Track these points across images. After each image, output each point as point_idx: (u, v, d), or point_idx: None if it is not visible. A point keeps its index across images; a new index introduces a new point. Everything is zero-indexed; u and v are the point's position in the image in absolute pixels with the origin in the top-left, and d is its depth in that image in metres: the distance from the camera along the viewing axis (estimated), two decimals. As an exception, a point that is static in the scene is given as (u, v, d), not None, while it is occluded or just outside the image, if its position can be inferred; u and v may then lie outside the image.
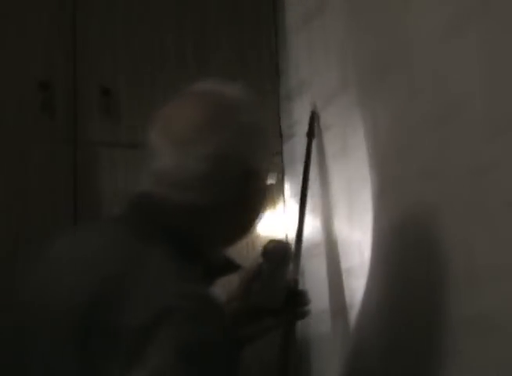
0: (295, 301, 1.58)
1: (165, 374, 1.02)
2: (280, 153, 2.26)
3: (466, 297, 1.39)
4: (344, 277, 1.86)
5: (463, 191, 1.42)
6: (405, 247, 1.59)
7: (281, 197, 2.22)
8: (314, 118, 2.03)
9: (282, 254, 1.54)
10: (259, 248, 1.54)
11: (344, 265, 1.86)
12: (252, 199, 1.31)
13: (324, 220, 1.99)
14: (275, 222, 2.17)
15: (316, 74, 2.08)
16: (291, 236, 1.96)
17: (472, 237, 1.38)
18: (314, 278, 1.98)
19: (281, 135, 2.27)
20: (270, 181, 1.37)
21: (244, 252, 1.70)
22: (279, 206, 2.22)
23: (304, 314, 1.61)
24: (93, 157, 2.01)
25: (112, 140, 2.04)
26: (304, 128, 2.06)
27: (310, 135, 2.01)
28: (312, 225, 2.00)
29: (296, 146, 2.19)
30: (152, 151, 1.29)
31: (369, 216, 1.73)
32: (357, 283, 1.76)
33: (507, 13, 1.32)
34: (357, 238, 1.79)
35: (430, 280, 1.50)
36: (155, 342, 1.03)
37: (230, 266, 1.34)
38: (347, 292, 1.84)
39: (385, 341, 1.64)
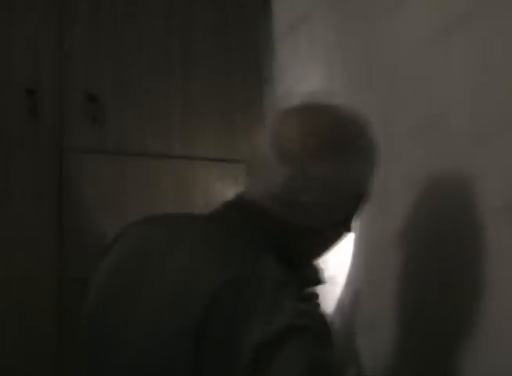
0: None
1: None
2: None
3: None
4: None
5: (449, 198, 1.43)
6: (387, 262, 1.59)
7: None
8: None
9: None
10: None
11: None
12: (352, 219, 1.30)
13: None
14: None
15: (302, 81, 2.08)
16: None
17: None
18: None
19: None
20: None
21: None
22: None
23: None
24: (79, 163, 2.00)
25: (98, 147, 2.03)
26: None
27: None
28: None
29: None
30: (262, 163, 1.25)
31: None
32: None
33: (493, 22, 1.34)
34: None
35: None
36: (278, 357, 1.03)
37: (318, 280, 1.31)
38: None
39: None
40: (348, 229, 1.31)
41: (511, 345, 1.23)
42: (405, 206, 1.54)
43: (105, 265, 1.28)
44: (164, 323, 1.12)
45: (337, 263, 1.74)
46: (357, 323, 1.69)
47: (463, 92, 1.41)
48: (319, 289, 1.28)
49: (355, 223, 1.31)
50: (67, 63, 2.04)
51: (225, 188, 2.12)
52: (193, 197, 2.08)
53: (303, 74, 2.08)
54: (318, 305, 1.21)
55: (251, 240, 1.20)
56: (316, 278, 1.29)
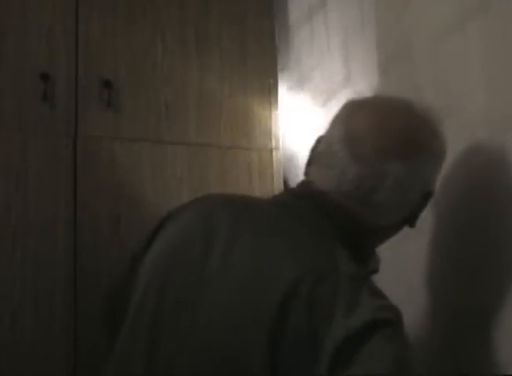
0: None
1: None
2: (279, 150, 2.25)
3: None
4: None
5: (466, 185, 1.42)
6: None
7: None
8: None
9: None
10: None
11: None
12: (419, 216, 1.31)
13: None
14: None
15: (318, 69, 2.08)
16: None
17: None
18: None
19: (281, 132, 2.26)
20: None
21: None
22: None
23: None
24: (94, 149, 2.00)
25: (113, 133, 2.03)
26: (304, 124, 2.06)
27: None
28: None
29: (295, 142, 2.18)
30: (334, 158, 1.24)
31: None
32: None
33: (508, 12, 1.32)
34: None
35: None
36: (364, 351, 1.04)
37: (377, 269, 1.31)
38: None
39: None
40: (413, 225, 1.31)
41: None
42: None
43: (159, 248, 1.26)
44: (236, 312, 1.11)
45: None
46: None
47: (478, 83, 1.40)
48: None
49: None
50: (82, 49, 2.03)
51: (238, 175, 2.12)
52: (208, 184, 2.08)
53: (319, 61, 2.08)
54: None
55: (325, 231, 1.20)
56: (376, 268, 1.30)
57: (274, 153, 2.21)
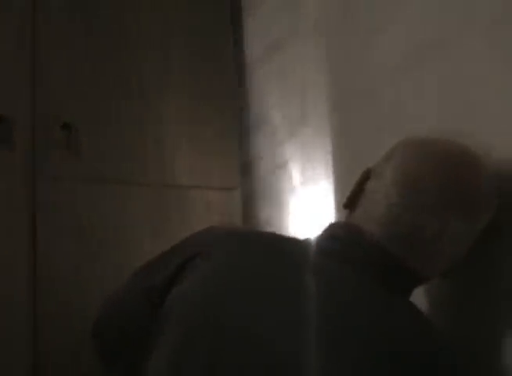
0: None
1: None
2: (238, 188, 2.25)
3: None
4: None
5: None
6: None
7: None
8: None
9: None
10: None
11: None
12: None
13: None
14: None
15: (276, 108, 2.10)
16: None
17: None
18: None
19: (240, 171, 2.27)
20: None
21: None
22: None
23: None
24: (53, 192, 1.97)
25: (72, 175, 2.01)
26: (262, 163, 2.07)
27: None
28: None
29: (254, 181, 2.19)
30: (384, 203, 1.18)
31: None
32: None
33: (464, 48, 1.36)
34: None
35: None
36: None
37: None
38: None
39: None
40: (448, 277, 1.29)
41: None
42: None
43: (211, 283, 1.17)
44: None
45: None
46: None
47: (437, 116, 1.43)
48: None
49: None
50: (41, 90, 2.01)
51: (199, 214, 2.12)
52: (169, 224, 2.07)
53: (277, 100, 2.10)
54: None
55: (386, 283, 1.15)
56: None
57: (233, 192, 2.22)
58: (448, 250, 1.20)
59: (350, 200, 1.25)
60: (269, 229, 2.01)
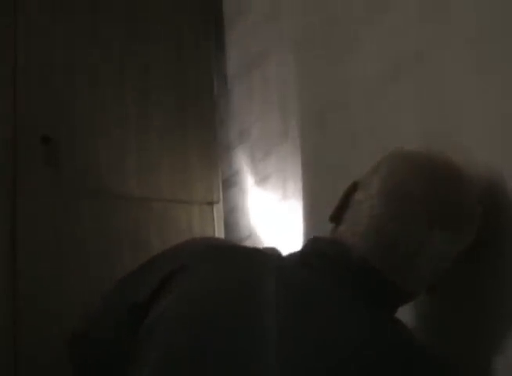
0: None
1: None
2: (220, 203, 2.25)
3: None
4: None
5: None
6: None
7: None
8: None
9: None
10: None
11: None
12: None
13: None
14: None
15: (257, 122, 2.10)
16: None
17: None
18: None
19: (220, 185, 2.28)
20: None
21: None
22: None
23: None
24: (33, 205, 1.96)
25: (52, 188, 2.00)
26: (243, 177, 2.08)
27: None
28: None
29: (235, 196, 2.20)
30: (371, 217, 1.18)
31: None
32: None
33: (439, 65, 1.38)
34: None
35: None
36: None
37: None
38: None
39: None
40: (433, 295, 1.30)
41: None
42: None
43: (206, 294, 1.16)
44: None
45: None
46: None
47: (413, 131, 1.44)
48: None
49: None
50: (21, 105, 2.01)
51: (179, 228, 2.12)
52: (149, 237, 2.07)
53: (257, 114, 2.10)
54: None
55: (370, 298, 1.15)
56: None
57: (214, 207, 2.22)
58: (433, 262, 1.19)
59: (336, 212, 1.25)
60: (251, 244, 2.01)
